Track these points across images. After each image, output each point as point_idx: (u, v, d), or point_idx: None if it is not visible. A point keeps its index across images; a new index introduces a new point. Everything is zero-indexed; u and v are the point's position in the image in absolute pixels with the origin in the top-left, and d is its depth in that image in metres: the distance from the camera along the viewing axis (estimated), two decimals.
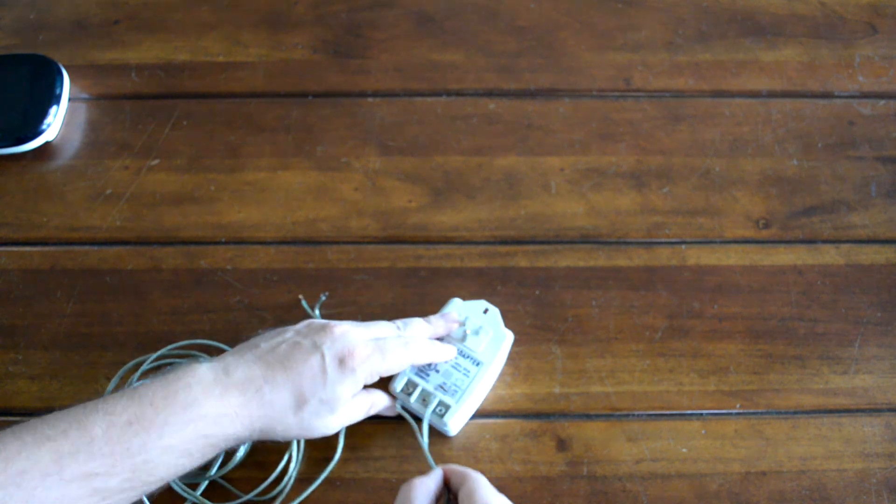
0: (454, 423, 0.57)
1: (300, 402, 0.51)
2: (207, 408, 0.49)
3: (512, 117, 0.72)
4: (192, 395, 0.49)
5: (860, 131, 0.71)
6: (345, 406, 0.53)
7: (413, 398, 0.58)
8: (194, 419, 0.48)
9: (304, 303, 0.63)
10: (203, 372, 0.50)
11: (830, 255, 0.66)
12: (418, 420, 0.58)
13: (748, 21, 0.76)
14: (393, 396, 0.59)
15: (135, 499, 0.48)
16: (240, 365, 0.51)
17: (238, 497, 0.56)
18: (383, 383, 0.58)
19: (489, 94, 0.73)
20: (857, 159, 0.70)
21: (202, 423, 0.49)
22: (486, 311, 0.61)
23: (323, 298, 0.63)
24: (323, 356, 0.52)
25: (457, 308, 0.61)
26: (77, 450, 0.45)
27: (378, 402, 0.57)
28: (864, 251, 0.66)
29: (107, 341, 0.63)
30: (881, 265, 0.66)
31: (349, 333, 0.54)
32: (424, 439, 0.56)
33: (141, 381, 0.56)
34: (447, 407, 0.57)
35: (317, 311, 0.62)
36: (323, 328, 0.54)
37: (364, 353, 0.53)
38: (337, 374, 0.52)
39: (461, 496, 0.47)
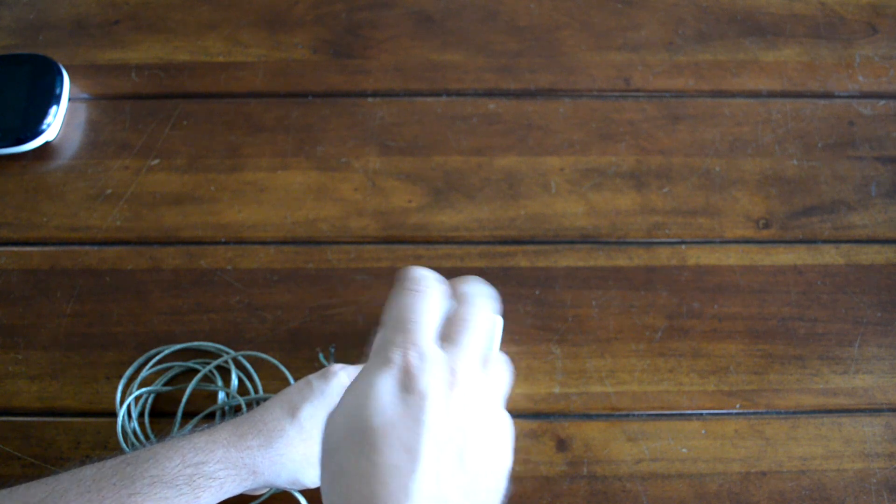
0: None
1: (292, 409, 0.52)
2: (196, 440, 0.50)
3: (512, 117, 0.72)
4: (183, 434, 0.51)
5: (860, 131, 0.71)
6: None
7: None
8: (181, 448, 0.49)
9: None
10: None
11: (830, 255, 0.66)
12: None
13: (748, 21, 0.76)
14: None
15: None
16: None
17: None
18: None
19: (489, 94, 0.73)
20: (857, 159, 0.70)
21: (190, 453, 0.49)
22: None
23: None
24: (307, 378, 0.55)
25: None
26: (66, 489, 0.47)
27: None
28: (864, 251, 0.66)
29: (107, 341, 0.63)
30: (881, 265, 0.66)
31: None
32: None
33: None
34: None
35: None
36: None
37: (344, 365, 0.55)
38: (321, 381, 0.54)
39: None
